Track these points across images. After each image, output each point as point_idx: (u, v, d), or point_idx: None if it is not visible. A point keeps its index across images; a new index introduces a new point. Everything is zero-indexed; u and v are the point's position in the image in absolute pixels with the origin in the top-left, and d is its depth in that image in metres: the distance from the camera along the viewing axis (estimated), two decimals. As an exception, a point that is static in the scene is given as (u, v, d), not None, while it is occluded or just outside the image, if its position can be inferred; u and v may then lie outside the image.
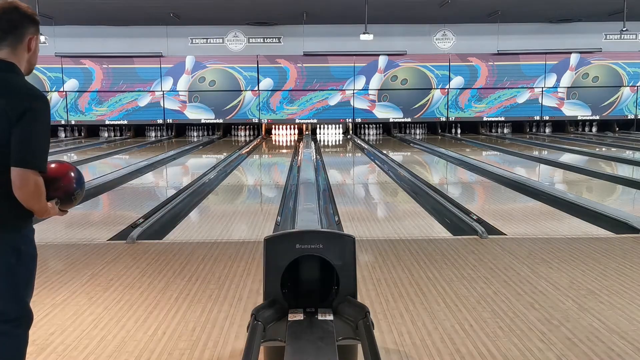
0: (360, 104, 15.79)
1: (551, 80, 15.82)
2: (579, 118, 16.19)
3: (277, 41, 15.86)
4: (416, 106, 15.86)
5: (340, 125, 16.35)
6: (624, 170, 9.22)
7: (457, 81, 15.75)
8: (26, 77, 2.01)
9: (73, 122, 15.63)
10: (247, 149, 12.99)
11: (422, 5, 13.17)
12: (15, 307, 1.96)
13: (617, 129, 16.40)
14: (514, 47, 15.61)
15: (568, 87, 15.86)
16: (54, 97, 15.36)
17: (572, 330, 2.91)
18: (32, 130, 1.84)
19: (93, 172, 8.88)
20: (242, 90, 15.60)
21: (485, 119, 16.07)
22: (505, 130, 16.47)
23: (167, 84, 15.53)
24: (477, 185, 8.19)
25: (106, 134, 16.05)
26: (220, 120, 15.83)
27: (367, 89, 15.73)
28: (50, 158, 1.99)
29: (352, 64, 15.60)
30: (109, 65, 15.24)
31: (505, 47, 15.60)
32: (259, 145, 14.41)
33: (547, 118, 16.07)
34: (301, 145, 13.51)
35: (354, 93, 15.72)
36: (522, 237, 4.86)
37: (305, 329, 2.23)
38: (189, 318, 3.11)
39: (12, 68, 1.92)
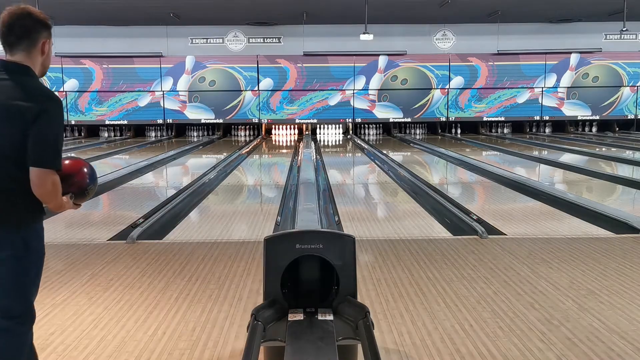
0: (360, 104, 15.79)
1: (551, 80, 15.82)
2: (579, 118, 16.19)
3: (277, 41, 15.86)
4: (416, 106, 15.86)
5: (340, 125, 16.35)
6: (624, 170, 9.22)
7: (457, 81, 15.75)
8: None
9: (73, 122, 15.62)
10: (247, 149, 12.99)
11: (422, 5, 13.17)
12: (21, 304, 1.99)
13: (617, 129, 16.40)
14: (514, 47, 15.61)
15: (568, 87, 15.86)
16: (54, 97, 15.36)
17: (572, 330, 2.91)
18: (47, 131, 1.93)
19: (93, 172, 8.87)
20: (242, 90, 15.60)
21: (485, 119, 16.07)
22: (505, 130, 16.47)
23: (167, 84, 15.53)
24: (477, 185, 8.19)
25: (106, 134, 16.05)
26: (220, 120, 15.83)
27: (367, 89, 15.73)
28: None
29: (352, 64, 15.60)
30: (109, 65, 15.24)
31: (505, 47, 15.60)
32: (259, 145, 14.41)
33: (547, 118, 16.07)
34: (301, 145, 13.51)
35: (354, 93, 15.73)
36: (522, 237, 4.86)
37: (305, 329, 2.23)
38: (189, 318, 3.11)
39: (27, 71, 2.01)
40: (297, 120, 15.96)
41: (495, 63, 15.69)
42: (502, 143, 13.87)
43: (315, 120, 15.97)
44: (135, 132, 16.07)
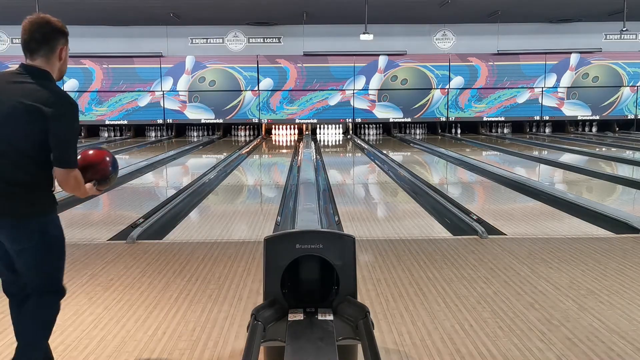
0: (360, 104, 15.79)
1: (551, 80, 15.82)
2: (579, 118, 16.19)
3: (277, 41, 15.86)
4: (416, 106, 15.86)
5: (340, 125, 16.35)
6: (624, 170, 9.22)
7: (457, 81, 15.75)
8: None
9: (73, 122, 15.61)
10: (247, 149, 12.99)
11: (422, 5, 13.17)
12: (49, 282, 2.25)
13: (617, 129, 16.40)
14: (514, 47, 15.61)
15: (568, 87, 15.86)
16: (54, 97, 15.37)
17: (572, 330, 2.91)
18: (67, 134, 2.15)
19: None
20: (242, 90, 15.60)
21: (485, 119, 16.07)
22: (505, 130, 16.46)
23: (167, 84, 15.53)
24: (477, 185, 8.19)
25: (106, 134, 16.05)
26: (220, 120, 15.83)
27: (367, 89, 15.73)
28: None
29: (352, 64, 15.60)
30: (109, 65, 15.24)
31: (505, 47, 15.60)
32: (259, 145, 14.41)
33: (547, 118, 16.07)
34: (301, 145, 13.51)
35: (354, 93, 15.73)
36: (522, 237, 4.86)
37: (305, 329, 2.23)
38: (189, 318, 3.11)
39: (46, 76, 2.18)
40: (297, 120, 15.96)
41: (495, 63, 15.68)
42: (502, 143, 13.87)
43: (315, 120, 15.97)
44: (135, 132, 16.07)
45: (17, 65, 2.19)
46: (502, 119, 16.09)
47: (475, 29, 15.68)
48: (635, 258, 4.19)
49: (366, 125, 16.38)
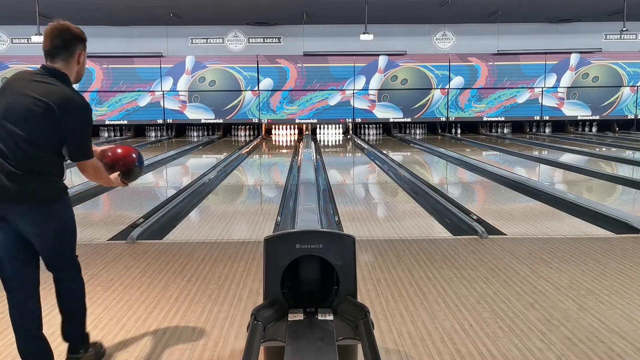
0: (360, 104, 15.79)
1: (551, 80, 15.82)
2: (579, 118, 16.19)
3: (277, 41, 15.86)
4: (416, 106, 15.86)
5: (340, 125, 16.35)
6: (624, 170, 9.22)
7: (457, 81, 15.75)
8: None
9: (73, 122, 15.61)
10: (247, 149, 12.99)
11: (422, 5, 13.17)
12: (63, 260, 2.53)
13: (617, 129, 16.40)
14: (514, 47, 15.61)
15: (568, 87, 15.86)
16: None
17: (572, 330, 2.91)
18: (77, 132, 2.37)
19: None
20: (242, 90, 15.60)
21: (485, 119, 16.07)
22: (505, 130, 16.47)
23: (167, 84, 15.53)
24: (477, 185, 8.19)
25: (106, 134, 16.04)
26: (220, 120, 15.83)
27: (367, 89, 15.73)
28: None
29: (352, 64, 15.60)
30: (109, 65, 15.24)
31: (505, 47, 15.60)
32: (259, 145, 14.41)
33: (547, 118, 16.07)
34: (301, 145, 13.51)
35: (354, 93, 15.73)
36: (522, 237, 4.86)
37: (305, 329, 2.23)
38: (189, 318, 3.11)
39: (64, 78, 2.39)
40: (297, 120, 15.96)
41: (495, 63, 15.69)
42: (502, 143, 13.87)
43: (315, 120, 15.97)
44: (135, 132, 16.07)
45: (39, 66, 2.41)
46: (502, 119, 16.09)
47: (475, 29, 15.68)
48: (635, 258, 4.19)
49: (366, 125, 16.38)
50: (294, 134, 16.32)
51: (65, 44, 2.37)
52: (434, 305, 3.27)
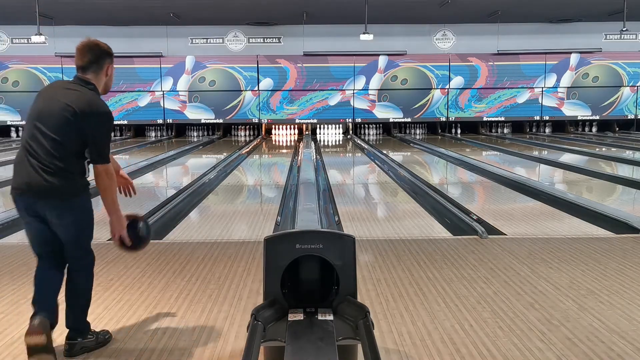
0: (360, 104, 15.79)
1: (551, 80, 15.82)
2: (579, 118, 16.19)
3: (277, 41, 15.86)
4: (416, 106, 15.86)
5: (340, 125, 16.35)
6: (624, 170, 9.22)
7: (457, 81, 15.75)
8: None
9: (73, 122, 15.61)
10: (247, 149, 12.99)
11: (422, 5, 13.17)
12: (81, 251, 2.73)
13: (617, 129, 16.41)
14: (514, 47, 15.61)
15: (568, 87, 15.86)
16: (54, 97, 15.36)
17: (572, 330, 2.91)
18: (97, 136, 2.62)
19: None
20: (242, 90, 15.60)
21: (485, 119, 16.07)
22: (505, 130, 16.47)
23: (167, 84, 15.53)
24: (477, 185, 8.19)
25: (106, 134, 16.02)
26: (220, 120, 15.83)
27: (367, 89, 15.73)
28: None
29: (352, 64, 15.61)
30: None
31: (505, 47, 15.60)
32: (259, 145, 14.41)
33: (547, 118, 16.08)
34: (301, 145, 13.51)
35: (354, 93, 15.73)
36: (522, 237, 4.86)
37: (305, 329, 2.23)
38: (189, 318, 3.11)
39: (92, 88, 2.68)
40: (297, 120, 15.96)
41: (495, 63, 15.69)
42: (502, 143, 13.87)
43: (315, 120, 15.97)
44: (135, 132, 16.07)
45: (73, 76, 2.73)
46: (502, 119, 16.09)
47: (475, 29, 15.68)
48: (635, 258, 4.19)
49: (366, 125, 16.38)
50: (294, 134, 16.32)
51: (95, 59, 2.69)
52: (434, 305, 3.27)
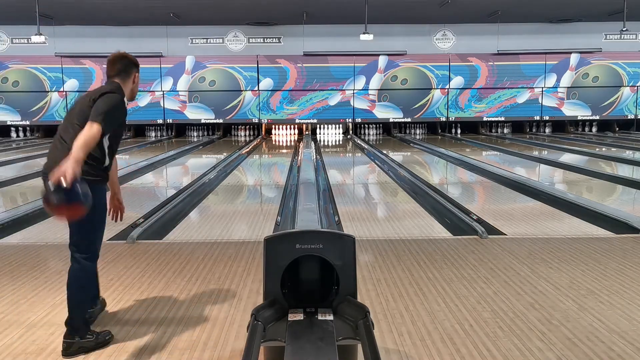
0: (360, 104, 15.79)
1: (551, 80, 15.82)
2: (579, 118, 16.19)
3: (277, 41, 15.86)
4: (416, 106, 15.86)
5: (340, 125, 16.35)
6: (624, 170, 9.22)
7: (457, 81, 15.75)
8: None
9: (73, 122, 15.60)
10: (247, 149, 12.99)
11: (422, 5, 13.17)
12: (85, 244, 2.81)
13: (617, 129, 16.41)
14: (514, 47, 15.61)
15: (568, 87, 15.86)
16: (53, 97, 15.38)
17: (572, 330, 2.91)
18: (99, 104, 2.73)
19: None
20: (242, 90, 15.60)
21: (485, 119, 16.07)
22: (505, 130, 16.47)
23: (167, 84, 15.53)
24: (477, 185, 8.19)
25: (106, 134, 16.02)
26: (220, 120, 15.83)
27: (367, 89, 15.74)
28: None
29: (352, 64, 15.61)
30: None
31: (505, 47, 15.60)
32: (259, 145, 14.41)
33: (547, 118, 16.08)
34: (301, 145, 13.51)
35: (354, 93, 15.73)
36: (522, 237, 4.86)
37: (305, 329, 2.23)
38: (189, 318, 3.11)
39: (118, 87, 2.93)
40: (297, 120, 15.96)
41: (495, 63, 15.69)
42: (502, 143, 13.87)
43: (315, 120, 15.97)
44: (135, 132, 16.06)
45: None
46: (502, 119, 16.09)
47: (475, 29, 15.68)
48: (635, 258, 4.19)
49: (366, 125, 16.39)
50: (294, 134, 16.32)
51: (123, 67, 2.99)
52: (434, 305, 3.27)
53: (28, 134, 16.18)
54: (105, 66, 3.00)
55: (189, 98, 15.61)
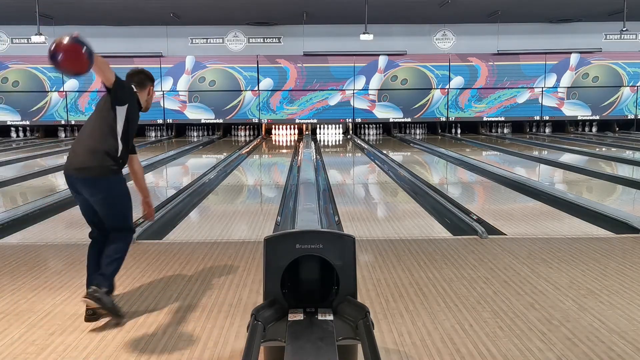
0: (360, 104, 15.79)
1: (551, 80, 15.82)
2: (579, 118, 16.20)
3: (277, 41, 15.86)
4: (416, 106, 15.86)
5: (340, 125, 16.36)
6: (624, 170, 9.22)
7: (457, 81, 15.75)
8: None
9: (73, 122, 15.62)
10: (247, 149, 12.99)
11: (422, 5, 13.17)
12: (122, 222, 3.24)
13: (617, 129, 16.41)
14: (514, 47, 15.61)
15: (568, 87, 15.86)
16: (54, 97, 15.38)
17: (572, 330, 2.91)
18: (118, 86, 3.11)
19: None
20: (242, 90, 15.61)
21: (485, 119, 16.08)
22: (505, 130, 16.47)
23: (167, 84, 15.53)
24: (477, 185, 8.19)
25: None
26: (220, 120, 15.83)
27: (367, 89, 15.74)
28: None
29: (352, 64, 15.61)
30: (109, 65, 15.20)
31: (505, 47, 15.60)
32: (259, 145, 14.41)
33: (547, 118, 16.08)
34: (301, 145, 13.51)
35: (354, 93, 15.73)
36: (522, 237, 4.86)
37: (305, 329, 2.23)
38: (189, 318, 3.11)
39: (132, 89, 3.29)
40: (297, 120, 15.97)
41: (495, 63, 15.69)
42: (502, 143, 13.87)
43: (315, 120, 15.98)
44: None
45: None
46: (502, 119, 16.09)
47: (475, 29, 15.68)
48: (635, 258, 4.19)
49: (366, 125, 16.39)
50: (294, 134, 16.32)
51: (140, 81, 3.39)
52: (434, 305, 3.27)
53: (28, 134, 16.18)
54: None
55: (189, 98, 15.61)
